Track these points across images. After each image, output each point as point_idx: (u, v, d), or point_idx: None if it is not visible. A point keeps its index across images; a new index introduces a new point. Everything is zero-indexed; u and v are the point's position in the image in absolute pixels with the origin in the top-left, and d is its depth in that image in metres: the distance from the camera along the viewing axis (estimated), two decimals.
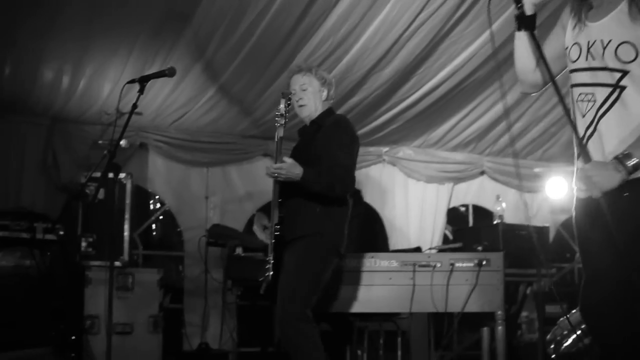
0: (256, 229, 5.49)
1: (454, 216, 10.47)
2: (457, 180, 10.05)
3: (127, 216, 7.63)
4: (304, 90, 5.44)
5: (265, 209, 5.36)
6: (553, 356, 5.34)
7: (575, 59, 3.61)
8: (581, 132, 3.56)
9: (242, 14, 6.58)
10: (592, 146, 3.49)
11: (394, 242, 9.33)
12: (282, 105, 5.29)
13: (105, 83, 7.59)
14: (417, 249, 7.84)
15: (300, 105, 5.46)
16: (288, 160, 5.06)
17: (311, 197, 5.14)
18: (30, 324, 7.04)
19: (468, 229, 9.22)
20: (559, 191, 9.68)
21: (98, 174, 6.92)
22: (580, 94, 3.58)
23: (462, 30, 7.23)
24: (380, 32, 7.02)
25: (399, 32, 7.04)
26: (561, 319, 5.79)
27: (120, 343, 6.95)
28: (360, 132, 8.96)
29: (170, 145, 8.75)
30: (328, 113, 5.50)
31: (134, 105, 5.23)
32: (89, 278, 7.25)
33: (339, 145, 5.26)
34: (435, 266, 6.30)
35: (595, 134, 3.48)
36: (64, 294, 7.38)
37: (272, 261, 5.10)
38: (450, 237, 9.41)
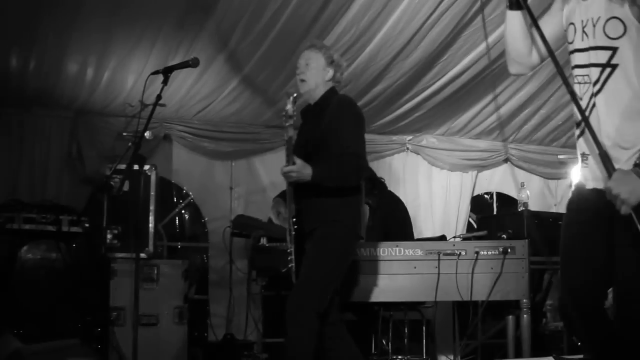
0: (272, 214, 5.45)
1: (478, 204, 10.43)
2: (481, 168, 10.02)
3: (151, 208, 7.64)
4: (307, 65, 5.35)
5: (283, 196, 5.34)
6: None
7: (571, 40, 3.58)
8: (578, 118, 3.53)
9: (265, 4, 6.58)
10: (584, 138, 3.46)
11: (418, 231, 9.31)
12: (288, 106, 5.16)
13: (128, 75, 7.61)
14: (442, 238, 7.83)
15: (301, 80, 5.37)
16: (298, 161, 4.96)
17: (326, 188, 5.06)
18: (56, 316, 7.09)
19: (492, 216, 9.18)
20: None
21: (123, 166, 6.95)
22: (577, 76, 3.55)
23: (485, 18, 7.20)
24: (402, 20, 7.00)
25: (421, 20, 7.02)
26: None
27: (145, 334, 6.97)
28: (383, 120, 8.99)
29: (194, 136, 8.77)
30: (331, 94, 5.38)
31: (158, 97, 5.24)
32: (115, 270, 7.27)
33: (347, 129, 5.17)
34: (459, 254, 6.28)
35: (592, 115, 3.42)
36: (90, 286, 7.42)
37: (292, 252, 5.09)
38: (475, 225, 9.38)
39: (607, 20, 3.35)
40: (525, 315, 6.35)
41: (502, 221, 7.43)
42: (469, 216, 9.93)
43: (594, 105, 3.41)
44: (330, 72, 5.38)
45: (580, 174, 3.63)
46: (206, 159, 8.94)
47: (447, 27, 7.23)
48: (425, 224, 9.59)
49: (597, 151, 3.31)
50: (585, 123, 3.33)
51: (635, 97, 3.33)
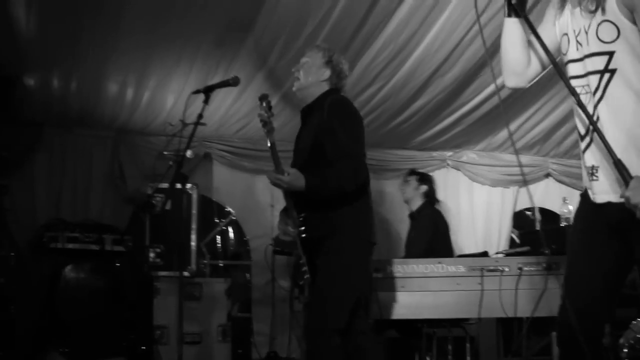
0: (279, 230, 5.41)
1: (520, 220, 10.37)
2: (522, 183, 9.96)
3: (193, 226, 7.66)
4: (303, 63, 5.25)
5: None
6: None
7: (565, 51, 3.46)
8: (583, 130, 3.42)
9: (304, 21, 6.58)
10: (595, 139, 3.30)
11: (460, 247, 9.27)
12: (261, 111, 5.08)
13: (168, 94, 7.66)
14: (484, 254, 7.79)
15: (296, 78, 5.27)
16: (292, 171, 4.86)
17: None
18: (101, 334, 7.12)
19: (535, 232, 9.11)
20: None
21: (164, 185, 6.98)
22: (576, 87, 3.38)
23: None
24: (441, 36, 6.98)
25: (460, 36, 7.00)
26: (634, 322, 5.71)
27: (189, 353, 6.99)
28: (423, 136, 8.98)
29: (235, 155, 8.80)
30: (325, 96, 5.18)
31: (200, 115, 5.25)
32: (158, 288, 7.30)
33: (340, 131, 4.91)
34: (503, 270, 6.25)
35: (597, 125, 3.24)
36: (134, 305, 7.45)
37: (305, 264, 5.01)
38: (517, 240, 9.33)
39: (599, 24, 3.23)
40: None
41: (545, 236, 7.37)
42: (511, 232, 9.87)
43: (597, 115, 3.28)
44: (326, 73, 5.21)
45: (589, 189, 3.45)
46: (247, 177, 8.96)
47: (486, 41, 7.19)
48: (467, 240, 9.55)
49: (607, 161, 3.22)
50: (597, 132, 3.17)
51: (638, 99, 3.21)
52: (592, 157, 3.35)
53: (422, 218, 7.64)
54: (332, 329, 4.78)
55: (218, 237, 9.75)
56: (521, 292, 6.20)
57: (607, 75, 3.23)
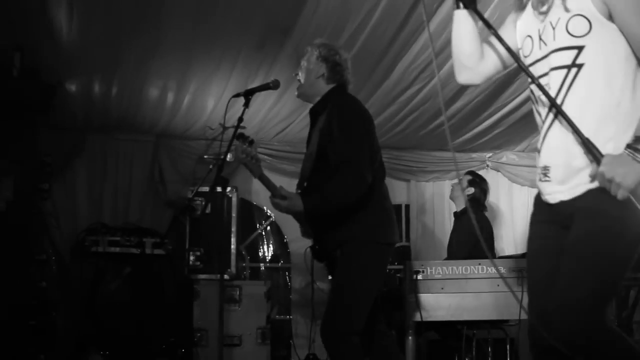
0: (301, 231, 5.38)
1: None
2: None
3: (233, 229, 7.70)
4: (302, 66, 5.13)
5: None
6: None
7: (528, 53, 3.35)
8: (540, 127, 3.34)
9: (343, 24, 6.58)
10: (547, 141, 3.26)
11: (500, 248, 9.23)
12: (241, 154, 5.10)
13: (209, 98, 7.70)
14: (524, 255, 7.74)
15: (298, 82, 5.17)
16: (290, 195, 4.79)
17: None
18: (141, 337, 7.18)
19: None
20: None
21: (204, 189, 7.02)
22: (537, 88, 3.26)
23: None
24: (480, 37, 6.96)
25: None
26: None
27: (229, 355, 7.03)
28: (462, 138, 8.95)
29: (274, 158, 8.83)
30: (329, 95, 5.05)
31: (240, 119, 5.25)
32: (197, 291, 7.35)
33: (341, 135, 4.74)
34: None
35: (556, 122, 3.20)
36: (174, 308, 7.50)
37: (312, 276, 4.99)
38: None
39: (570, 18, 3.13)
40: None
41: None
42: None
43: (556, 114, 3.20)
44: (321, 69, 5.06)
45: (541, 190, 3.40)
46: (286, 180, 8.96)
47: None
48: (506, 241, 9.51)
49: (560, 160, 3.19)
50: (562, 115, 3.09)
51: (605, 94, 3.12)
52: (545, 156, 3.31)
53: (467, 221, 7.60)
54: (350, 334, 4.73)
55: (258, 240, 9.77)
56: None
57: (573, 70, 3.14)
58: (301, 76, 5.15)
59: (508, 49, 3.31)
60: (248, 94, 5.29)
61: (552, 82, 3.20)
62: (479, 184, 7.94)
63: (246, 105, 5.30)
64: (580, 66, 3.13)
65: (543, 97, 3.24)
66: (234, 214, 7.73)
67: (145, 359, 6.84)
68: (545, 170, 3.31)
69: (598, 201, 3.08)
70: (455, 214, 7.86)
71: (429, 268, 6.14)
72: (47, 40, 6.44)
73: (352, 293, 4.80)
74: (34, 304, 6.58)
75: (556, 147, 3.23)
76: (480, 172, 9.57)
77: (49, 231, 7.49)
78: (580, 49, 3.13)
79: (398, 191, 9.71)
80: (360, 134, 4.83)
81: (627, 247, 3.12)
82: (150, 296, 7.44)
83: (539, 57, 3.29)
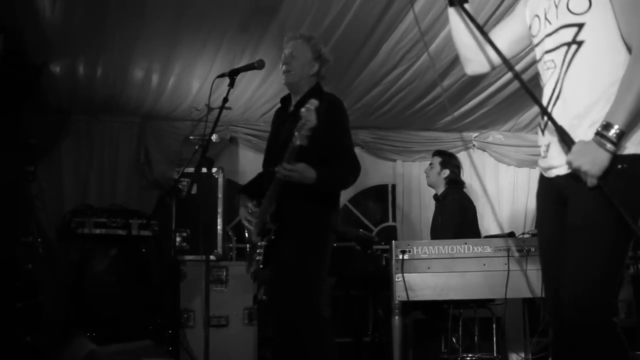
0: (242, 212, 5.38)
1: None
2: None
3: (219, 210, 7.71)
4: (293, 57, 5.15)
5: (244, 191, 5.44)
6: None
7: (536, 32, 3.43)
8: (545, 102, 3.35)
9: (328, 6, 6.57)
10: (557, 114, 3.24)
11: (485, 228, 9.24)
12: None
13: (194, 79, 7.69)
14: (511, 234, 7.76)
15: (286, 71, 5.16)
16: (301, 164, 4.77)
17: (311, 188, 4.89)
18: (127, 318, 7.18)
19: None
20: None
21: (190, 169, 7.01)
22: (547, 62, 3.36)
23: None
24: None
25: (486, 16, 6.97)
26: None
27: (216, 336, 7.01)
28: (449, 118, 8.96)
29: (260, 139, 8.81)
30: (315, 91, 5.13)
31: (225, 99, 5.24)
32: (184, 272, 7.37)
33: (342, 133, 5.07)
34: (529, 251, 6.22)
35: (560, 100, 3.25)
36: (160, 289, 7.50)
37: (261, 252, 5.04)
38: None
39: None
40: None
41: None
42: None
43: (561, 88, 3.25)
44: (315, 67, 5.19)
45: (542, 166, 3.44)
46: None
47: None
48: (492, 221, 9.53)
49: (559, 137, 3.19)
50: (546, 111, 3.19)
51: (604, 72, 3.15)
52: (548, 134, 3.33)
53: (450, 203, 7.60)
54: (319, 312, 4.92)
55: None
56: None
57: (573, 47, 3.20)
58: (293, 67, 5.15)
59: (496, 50, 3.38)
60: (233, 74, 5.30)
61: (556, 59, 3.27)
62: (450, 162, 7.88)
63: (231, 85, 5.30)
64: (580, 43, 3.18)
65: (546, 74, 3.35)
66: (220, 195, 7.73)
67: (132, 340, 6.83)
68: (547, 148, 3.34)
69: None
70: (436, 197, 7.84)
71: (415, 248, 6.14)
72: (31, 22, 6.41)
73: (316, 273, 4.99)
74: (19, 286, 6.56)
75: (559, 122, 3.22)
76: (466, 152, 9.62)
77: (34, 213, 7.47)
78: (580, 26, 3.18)
79: (384, 171, 9.73)
80: (350, 133, 5.17)
81: (619, 230, 3.10)
82: (136, 277, 7.43)
83: (544, 34, 3.34)
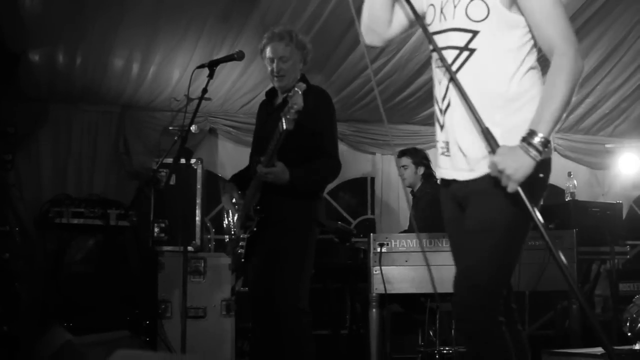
0: (226, 199, 5.39)
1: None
2: None
3: (198, 201, 7.70)
4: (285, 62, 5.11)
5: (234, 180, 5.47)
6: (629, 334, 5.27)
7: (430, 21, 3.37)
8: (442, 104, 3.34)
9: None
10: (448, 118, 3.30)
11: None
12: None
13: (174, 69, 7.66)
14: None
15: (279, 77, 5.13)
16: (279, 165, 4.81)
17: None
18: (105, 309, 7.16)
19: (539, 206, 9.10)
20: (631, 167, 9.59)
21: (169, 160, 6.99)
22: (436, 60, 3.35)
23: None
24: None
25: None
26: (637, 296, 5.73)
27: (193, 327, 7.02)
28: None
29: (239, 130, 8.79)
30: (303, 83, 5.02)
31: (204, 90, 5.24)
32: (162, 263, 7.34)
33: (327, 129, 5.08)
34: None
35: (450, 106, 3.27)
36: (138, 280, 7.49)
37: (244, 243, 5.05)
38: None
39: (471, 1, 3.18)
40: (574, 306, 6.30)
41: (549, 211, 7.36)
42: None
43: (448, 91, 3.27)
44: (301, 60, 5.19)
45: (440, 164, 3.47)
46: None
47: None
48: None
49: (457, 139, 3.26)
50: (466, 101, 3.13)
51: (493, 82, 3.19)
52: (446, 131, 3.35)
53: (423, 196, 7.60)
54: (304, 307, 4.97)
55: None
56: (523, 267, 6.18)
57: (465, 54, 3.21)
58: (286, 70, 5.12)
59: (416, 15, 3.36)
60: (212, 65, 5.30)
61: (447, 59, 3.24)
62: (420, 157, 7.84)
63: (210, 76, 5.29)
64: (472, 51, 3.20)
65: (438, 72, 3.34)
66: (198, 186, 7.72)
67: (109, 331, 6.81)
68: (447, 147, 3.36)
69: (491, 187, 3.15)
70: (413, 193, 7.83)
71: (393, 241, 6.15)
72: (10, 10, 6.38)
73: (304, 266, 5.05)
74: None
75: (457, 124, 3.27)
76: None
77: (12, 202, 7.43)
78: (475, 33, 3.19)
79: (363, 164, 9.72)
80: (337, 127, 5.20)
81: (516, 236, 3.27)
82: (114, 268, 7.41)
83: (437, 30, 3.32)
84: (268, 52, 5.17)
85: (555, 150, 9.70)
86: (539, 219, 3.04)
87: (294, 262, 4.98)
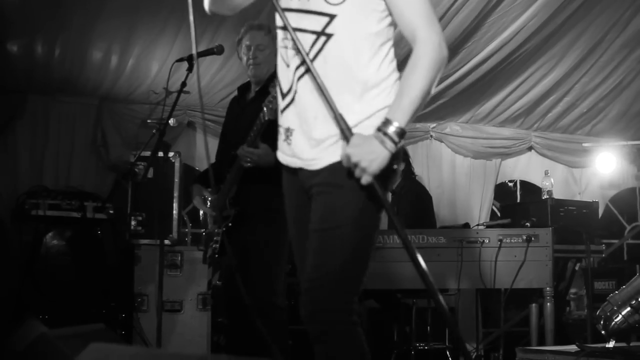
0: (197, 201, 5.39)
1: (502, 192, 10.41)
2: (505, 156, 9.98)
3: (175, 195, 7.68)
4: (262, 50, 5.14)
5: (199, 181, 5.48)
6: (603, 332, 5.30)
7: None
8: (286, 87, 3.18)
9: None
10: (294, 103, 3.13)
11: (441, 219, 9.28)
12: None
13: (153, 62, 7.64)
14: (466, 226, 7.82)
15: (255, 64, 5.15)
16: (263, 146, 4.79)
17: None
18: (81, 301, 7.14)
19: (516, 204, 9.16)
20: (608, 166, 9.65)
21: (147, 153, 6.97)
22: (283, 39, 3.17)
23: (510, 4, 7.18)
24: None
25: (446, 6, 7.00)
26: (611, 295, 5.76)
27: (169, 320, 7.03)
28: None
29: (218, 124, 8.74)
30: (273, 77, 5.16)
31: (183, 84, 5.24)
32: (139, 256, 7.33)
33: None
34: (483, 242, 6.28)
35: (306, 83, 3.08)
36: (114, 273, 7.47)
37: (219, 236, 5.04)
38: (498, 213, 9.37)
39: None
40: (548, 304, 6.34)
41: (526, 209, 7.40)
42: (493, 204, 9.90)
43: (300, 76, 3.09)
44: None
45: (282, 151, 3.28)
46: None
47: (471, 14, 7.21)
48: (448, 212, 9.57)
49: (303, 124, 3.10)
50: (321, 88, 2.97)
51: (350, 68, 3.04)
52: (290, 117, 3.17)
53: (406, 194, 7.62)
54: (283, 300, 5.02)
55: None
56: (500, 264, 6.23)
57: (322, 39, 3.04)
58: (261, 59, 5.14)
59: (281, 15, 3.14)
60: (191, 59, 5.27)
61: (302, 43, 3.05)
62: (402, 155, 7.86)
63: (190, 70, 5.29)
64: (329, 36, 3.04)
65: (285, 53, 3.17)
66: (176, 179, 7.70)
67: (84, 324, 6.79)
68: (288, 133, 3.20)
69: (340, 179, 3.02)
70: (392, 190, 7.83)
71: None
72: None
73: (282, 260, 5.09)
74: None
75: (304, 110, 3.12)
76: (424, 142, 9.65)
77: None
78: (332, 17, 3.02)
79: None
80: None
81: (368, 231, 3.14)
82: (90, 260, 7.38)
83: (293, 8, 3.13)
84: (246, 39, 5.20)
85: (533, 148, 9.84)
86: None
87: (269, 256, 4.98)
